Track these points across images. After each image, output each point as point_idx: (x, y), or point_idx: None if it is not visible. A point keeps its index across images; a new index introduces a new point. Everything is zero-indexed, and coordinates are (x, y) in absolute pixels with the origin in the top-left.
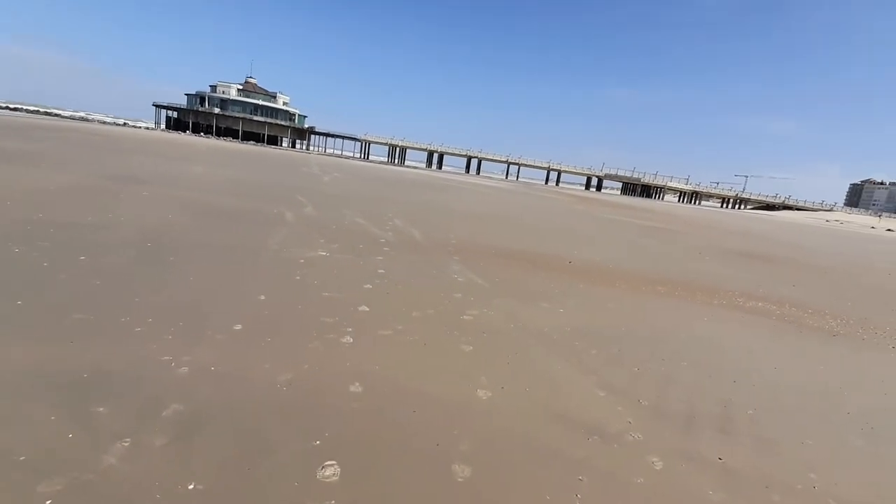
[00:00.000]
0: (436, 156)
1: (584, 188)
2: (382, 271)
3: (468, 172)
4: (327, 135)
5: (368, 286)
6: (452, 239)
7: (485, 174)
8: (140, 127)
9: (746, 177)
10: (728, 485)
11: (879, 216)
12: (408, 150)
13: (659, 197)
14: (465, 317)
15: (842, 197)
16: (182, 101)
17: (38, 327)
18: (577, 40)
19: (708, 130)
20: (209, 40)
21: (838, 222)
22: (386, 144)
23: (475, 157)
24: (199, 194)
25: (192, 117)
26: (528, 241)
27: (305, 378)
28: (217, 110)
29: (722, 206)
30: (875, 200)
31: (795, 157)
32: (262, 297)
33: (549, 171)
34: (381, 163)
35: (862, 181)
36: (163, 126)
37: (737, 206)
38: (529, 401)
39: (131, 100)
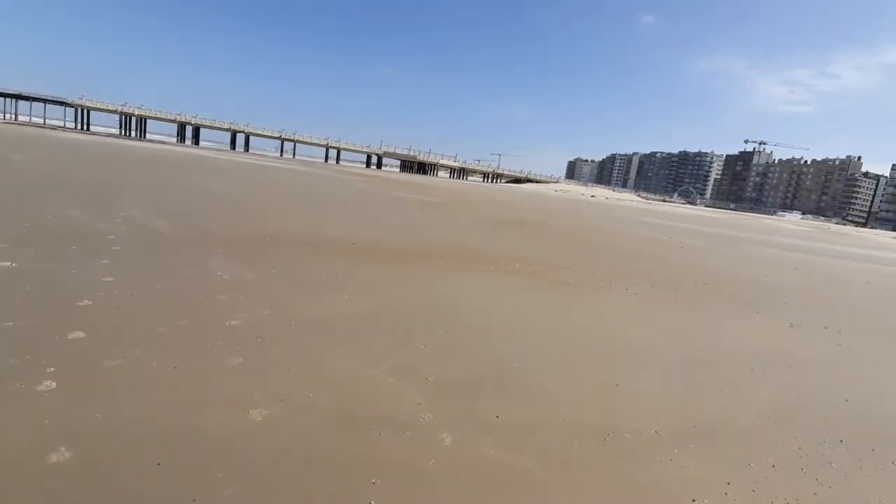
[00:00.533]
0: (189, 128)
1: (364, 166)
2: (110, 279)
3: (234, 149)
4: (16, 97)
5: (86, 302)
6: (214, 228)
7: (255, 151)
8: None
9: (499, 155)
10: (504, 439)
11: (586, 185)
12: (149, 121)
13: (433, 173)
14: (232, 322)
15: (563, 171)
16: None
17: None
18: (336, 15)
19: (469, 113)
20: None
21: (563, 191)
22: (116, 112)
23: (242, 132)
24: None
25: None
26: (308, 225)
27: None
28: None
29: (483, 181)
30: (583, 174)
31: (533, 138)
32: None
33: (328, 148)
34: (111, 136)
35: (575, 159)
36: None
37: (494, 181)
38: (315, 408)
39: None
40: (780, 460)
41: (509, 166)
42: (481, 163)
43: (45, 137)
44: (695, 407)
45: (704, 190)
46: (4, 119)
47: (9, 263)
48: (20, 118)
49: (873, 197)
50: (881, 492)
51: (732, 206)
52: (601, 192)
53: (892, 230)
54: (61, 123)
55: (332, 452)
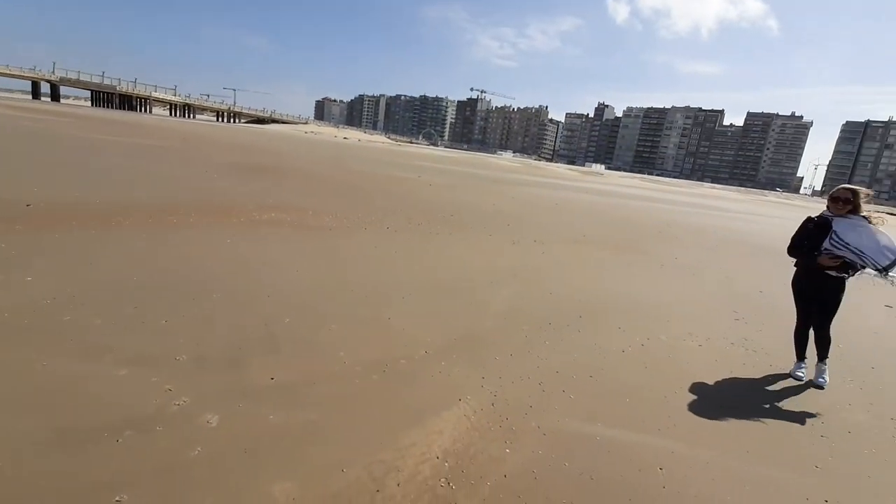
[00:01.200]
0: None
1: (31, 97)
2: None
3: None
4: None
5: None
6: None
7: None
8: None
9: (234, 90)
10: (283, 400)
11: (338, 127)
12: None
13: (146, 110)
14: None
15: (312, 111)
16: None
17: None
18: None
19: (184, 36)
20: None
21: (314, 133)
22: None
23: None
24: None
25: None
26: None
27: None
28: None
29: (218, 120)
30: (333, 115)
31: (272, 74)
32: None
33: None
34: None
35: (323, 98)
36: None
37: (232, 120)
38: (3, 436)
39: None
40: (515, 349)
41: (248, 104)
42: (211, 99)
43: None
44: (452, 323)
45: (443, 132)
46: None
47: None
48: None
49: (556, 138)
50: (574, 352)
51: (465, 146)
52: (354, 134)
53: (567, 163)
54: None
55: (45, 486)
